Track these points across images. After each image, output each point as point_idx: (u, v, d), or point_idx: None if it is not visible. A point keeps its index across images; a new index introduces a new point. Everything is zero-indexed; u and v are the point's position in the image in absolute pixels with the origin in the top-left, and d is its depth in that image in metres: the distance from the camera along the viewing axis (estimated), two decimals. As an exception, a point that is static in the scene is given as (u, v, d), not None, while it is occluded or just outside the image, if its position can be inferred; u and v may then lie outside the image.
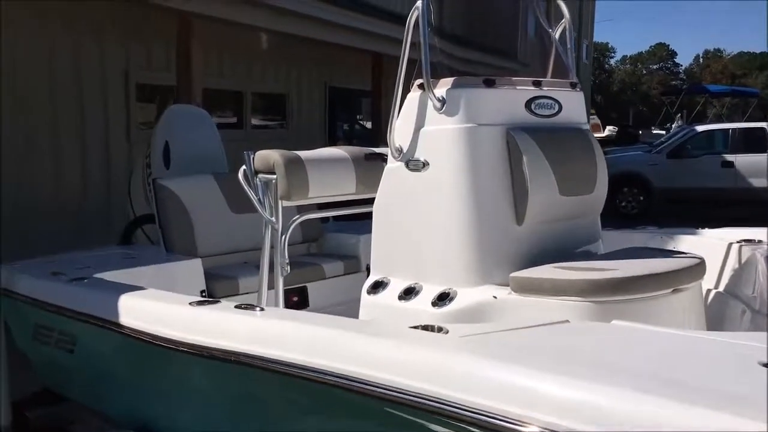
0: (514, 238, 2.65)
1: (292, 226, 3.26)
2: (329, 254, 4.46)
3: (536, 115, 2.75)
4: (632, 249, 2.86)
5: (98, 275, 3.26)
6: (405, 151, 2.78)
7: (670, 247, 3.46)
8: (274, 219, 3.24)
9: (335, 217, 4.79)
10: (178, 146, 4.53)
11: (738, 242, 3.19)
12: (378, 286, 2.86)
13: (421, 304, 2.66)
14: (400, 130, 2.79)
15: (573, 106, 2.90)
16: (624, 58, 72.46)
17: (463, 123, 2.61)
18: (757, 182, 12.35)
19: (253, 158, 3.34)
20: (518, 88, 2.75)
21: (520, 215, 2.63)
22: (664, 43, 73.84)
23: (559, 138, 2.75)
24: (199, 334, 2.30)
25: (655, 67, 72.05)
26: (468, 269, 2.62)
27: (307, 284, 4.07)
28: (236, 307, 2.41)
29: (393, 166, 2.84)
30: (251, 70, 9.51)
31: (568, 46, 3.10)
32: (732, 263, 3.13)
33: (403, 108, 2.78)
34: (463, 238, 2.62)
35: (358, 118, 13.38)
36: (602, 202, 2.89)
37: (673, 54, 73.85)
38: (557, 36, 3.11)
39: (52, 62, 6.70)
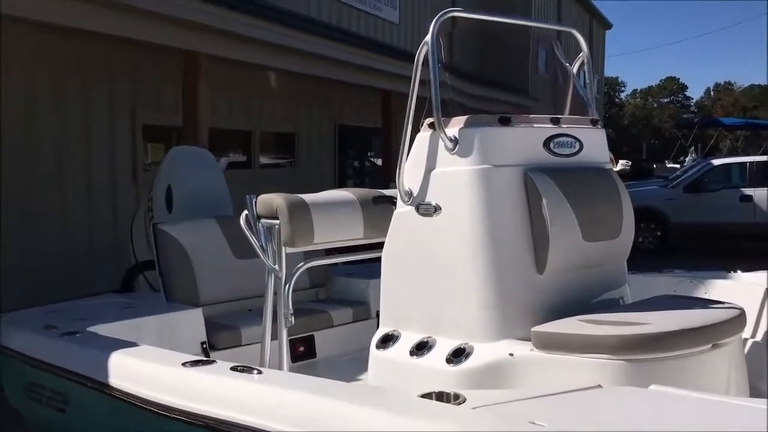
0: (535, 287, 2.44)
1: (297, 274, 3.07)
2: (338, 300, 4.26)
3: (555, 154, 2.57)
4: (663, 298, 2.64)
5: (93, 328, 3.08)
6: (415, 194, 2.60)
7: (702, 293, 3.24)
8: (277, 266, 3.05)
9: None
10: (181, 189, 4.38)
11: None
12: (388, 340, 2.65)
13: (435, 360, 2.45)
14: (410, 172, 2.61)
15: (594, 144, 2.72)
16: (634, 91, 72.64)
17: (477, 164, 2.43)
18: (777, 216, 12.07)
19: (256, 202, 3.18)
20: (536, 126, 2.57)
21: (541, 263, 2.43)
22: (675, 77, 73.96)
23: (580, 179, 2.56)
24: (191, 399, 2.11)
25: (666, 100, 72.08)
26: (485, 322, 2.41)
27: (314, 333, 3.87)
28: (232, 369, 2.21)
29: (403, 211, 2.65)
30: (260, 109, 9.44)
31: (587, 81, 2.93)
32: (770, 311, 2.91)
33: (412, 149, 2.61)
34: (480, 289, 2.42)
35: (368, 156, 13.27)
36: (629, 248, 2.68)
37: (684, 87, 73.98)
38: (575, 70, 2.94)
39: (59, 102, 6.64)
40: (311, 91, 9.90)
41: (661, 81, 73.89)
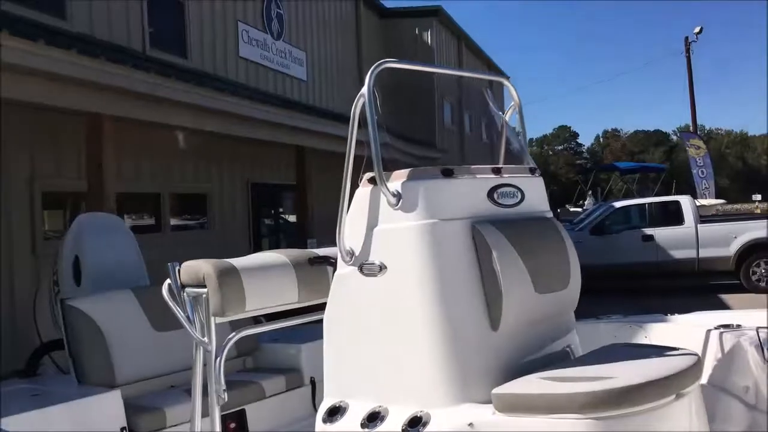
0: (491, 345, 2.32)
1: (228, 346, 2.83)
2: (267, 368, 4.00)
3: (500, 205, 2.49)
4: (615, 347, 2.58)
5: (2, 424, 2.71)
6: (357, 253, 2.44)
7: (642, 338, 3.22)
8: (206, 339, 2.80)
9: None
10: (90, 259, 4.05)
11: (716, 328, 2.97)
12: (335, 413, 2.45)
13: (392, 429, 2.26)
14: (350, 230, 2.46)
15: (535, 192, 2.66)
16: (530, 140, 75.89)
17: (423, 219, 2.32)
18: (678, 254, 12.62)
19: (179, 270, 2.93)
20: (478, 176, 2.49)
21: (495, 319, 2.32)
22: (566, 125, 77.95)
23: (527, 229, 2.49)
24: None
25: (560, 147, 75.60)
26: (441, 386, 2.26)
27: (245, 406, 3.59)
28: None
29: (344, 272, 2.49)
30: (169, 171, 9.10)
31: (519, 130, 2.90)
32: (714, 352, 2.90)
33: (352, 205, 2.47)
34: (432, 351, 2.27)
35: (282, 214, 13.03)
36: (577, 298, 2.62)
37: (576, 135, 78.00)
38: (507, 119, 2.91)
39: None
40: (222, 149, 9.66)
41: (554, 129, 77.68)
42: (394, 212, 2.37)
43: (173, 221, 9.32)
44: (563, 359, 2.55)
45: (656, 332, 3.21)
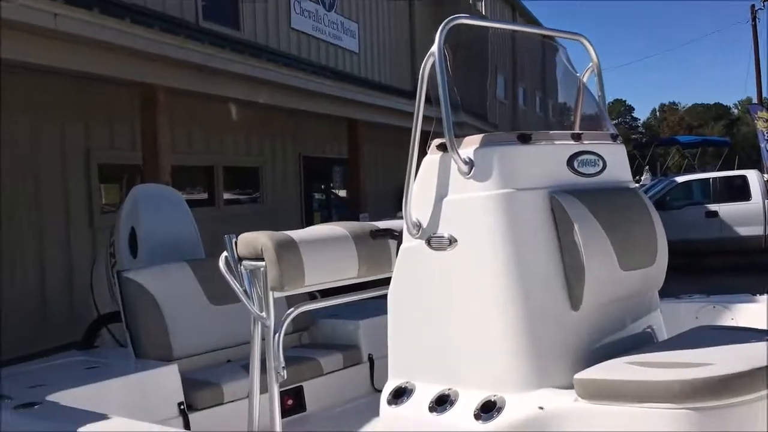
0: (571, 326, 2.14)
1: (287, 322, 2.71)
2: (324, 345, 3.90)
3: (580, 174, 2.29)
4: (703, 330, 2.37)
5: (53, 397, 2.66)
6: (425, 225, 2.28)
7: (728, 319, 2.98)
8: (264, 314, 2.69)
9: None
10: (146, 232, 3.98)
11: None
12: (401, 395, 2.31)
13: (461, 417, 2.11)
14: (418, 201, 2.30)
15: (617, 161, 2.45)
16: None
17: (497, 188, 2.13)
18: (744, 230, 12.11)
19: (236, 242, 2.82)
20: (557, 143, 2.29)
21: (575, 298, 2.13)
22: (622, 99, 75.88)
23: (610, 200, 2.28)
24: None
25: (615, 122, 73.69)
26: (517, 369, 2.09)
27: (303, 383, 3.49)
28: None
29: (411, 245, 2.33)
30: (222, 144, 9.06)
31: (599, 93, 2.68)
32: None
33: (419, 174, 2.30)
34: (507, 331, 2.10)
35: (333, 188, 12.95)
36: (663, 275, 2.40)
37: (631, 109, 75.87)
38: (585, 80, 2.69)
39: (7, 142, 6.18)
40: (274, 122, 9.59)
41: (609, 103, 75.62)
42: (465, 181, 2.19)
43: (226, 195, 9.31)
44: (646, 342, 2.36)
45: (744, 313, 2.97)
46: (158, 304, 3.47)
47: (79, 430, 2.16)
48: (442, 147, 2.24)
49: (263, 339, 2.71)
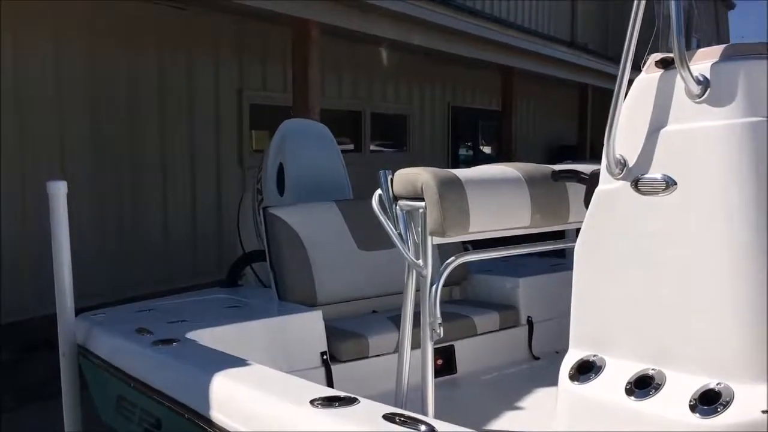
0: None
1: (447, 272, 2.35)
2: (478, 302, 3.52)
3: None
4: None
5: (192, 334, 2.49)
6: (632, 164, 1.81)
7: None
8: (421, 262, 2.34)
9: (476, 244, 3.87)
10: (295, 169, 3.76)
11: None
12: (587, 370, 1.88)
13: (671, 405, 1.66)
14: (624, 133, 1.82)
15: None
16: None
17: (742, 116, 1.62)
18: None
19: (392, 179, 2.48)
20: (824, 60, 1.72)
21: (843, 266, 1.59)
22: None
23: None
24: None
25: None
26: (751, 353, 1.60)
27: (454, 342, 3.14)
28: (386, 418, 1.51)
29: (611, 188, 1.87)
30: (371, 89, 8.81)
31: None
32: None
33: (629, 98, 1.83)
34: (742, 304, 1.61)
35: (481, 140, 12.42)
36: None
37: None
38: None
39: (161, 81, 6.23)
40: (424, 69, 9.20)
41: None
42: (695, 106, 1.69)
43: (372, 142, 9.10)
44: None
45: None
46: (303, 244, 3.23)
47: (215, 374, 1.93)
48: (663, 63, 1.75)
49: (417, 290, 2.38)
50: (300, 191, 3.66)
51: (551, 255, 4.28)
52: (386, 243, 3.49)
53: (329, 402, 1.63)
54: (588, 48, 11.32)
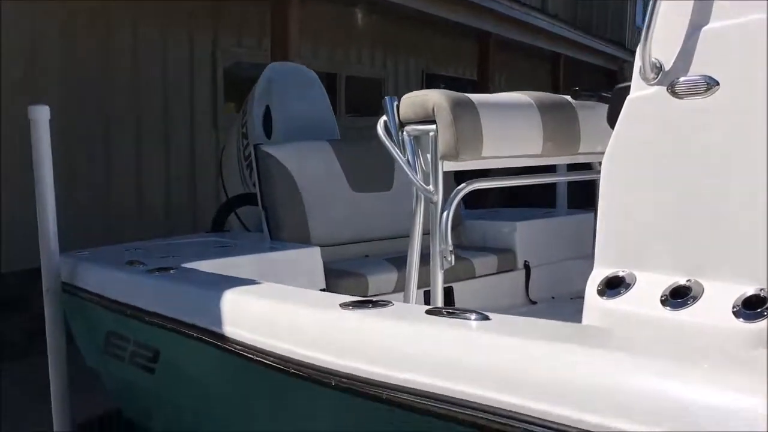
0: None
1: (458, 198, 2.25)
2: (472, 247, 3.45)
3: None
4: None
5: (189, 265, 2.35)
6: (668, 66, 1.72)
7: None
8: (431, 188, 2.25)
9: (466, 204, 3.80)
10: (283, 111, 3.62)
11: None
12: (617, 285, 1.80)
13: (711, 312, 1.59)
14: (661, 34, 1.73)
15: None
16: None
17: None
18: None
19: (398, 105, 2.38)
20: None
21: None
22: None
23: None
24: (374, 359, 1.30)
25: None
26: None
27: (452, 284, 3.06)
28: (430, 312, 1.41)
29: (645, 94, 1.78)
30: (346, 51, 8.64)
31: None
32: None
33: (666, -3, 1.73)
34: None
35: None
36: None
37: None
38: None
39: (135, 43, 6.00)
40: (399, 33, 9.04)
41: None
42: (740, 1, 1.61)
43: (347, 106, 8.93)
44: None
45: None
46: (296, 182, 3.11)
47: (226, 291, 1.80)
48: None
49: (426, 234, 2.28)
50: (289, 133, 3.53)
51: (543, 205, 4.25)
52: (380, 185, 3.41)
53: (362, 304, 1.52)
54: (559, 17, 11.30)
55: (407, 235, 2.32)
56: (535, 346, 1.20)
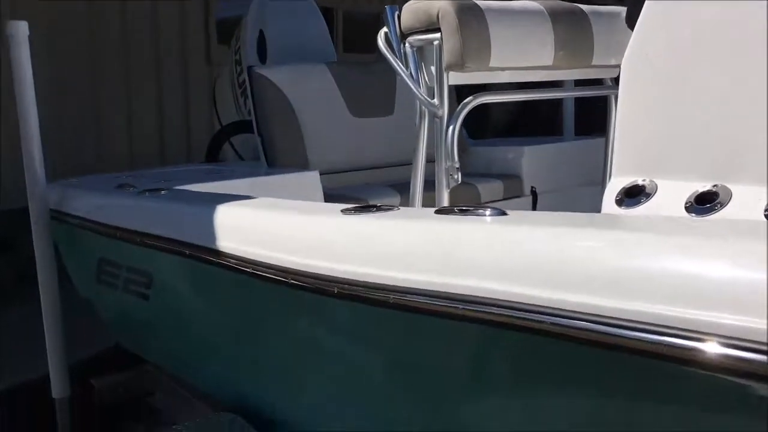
0: None
1: (465, 112, 2.13)
2: (477, 173, 3.34)
3: None
4: None
5: (182, 188, 2.24)
6: (697, -45, 1.57)
7: None
8: (436, 101, 2.12)
9: (469, 133, 3.67)
10: (278, 34, 3.46)
11: None
12: (637, 193, 1.70)
13: (740, 215, 1.49)
14: None
15: None
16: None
17: None
18: None
19: (398, 15, 2.23)
20: None
21: None
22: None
23: None
24: (390, 264, 1.19)
25: None
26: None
27: None
28: (440, 212, 1.30)
29: (669, -11, 1.64)
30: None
31: None
32: None
33: None
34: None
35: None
36: None
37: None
38: None
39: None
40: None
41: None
42: None
43: (345, 43, 8.68)
44: None
45: None
46: (293, 107, 2.97)
47: (221, 206, 1.69)
48: None
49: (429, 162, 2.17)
50: (284, 57, 3.37)
51: (547, 133, 4.12)
52: (380, 110, 3.28)
53: (365, 209, 1.41)
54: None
55: (409, 163, 2.21)
56: (557, 234, 1.09)
